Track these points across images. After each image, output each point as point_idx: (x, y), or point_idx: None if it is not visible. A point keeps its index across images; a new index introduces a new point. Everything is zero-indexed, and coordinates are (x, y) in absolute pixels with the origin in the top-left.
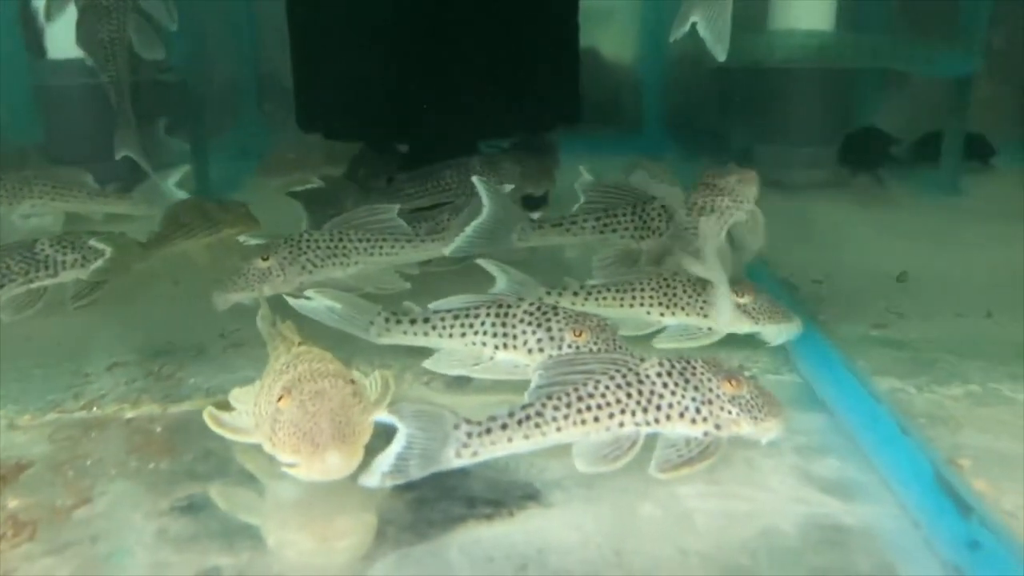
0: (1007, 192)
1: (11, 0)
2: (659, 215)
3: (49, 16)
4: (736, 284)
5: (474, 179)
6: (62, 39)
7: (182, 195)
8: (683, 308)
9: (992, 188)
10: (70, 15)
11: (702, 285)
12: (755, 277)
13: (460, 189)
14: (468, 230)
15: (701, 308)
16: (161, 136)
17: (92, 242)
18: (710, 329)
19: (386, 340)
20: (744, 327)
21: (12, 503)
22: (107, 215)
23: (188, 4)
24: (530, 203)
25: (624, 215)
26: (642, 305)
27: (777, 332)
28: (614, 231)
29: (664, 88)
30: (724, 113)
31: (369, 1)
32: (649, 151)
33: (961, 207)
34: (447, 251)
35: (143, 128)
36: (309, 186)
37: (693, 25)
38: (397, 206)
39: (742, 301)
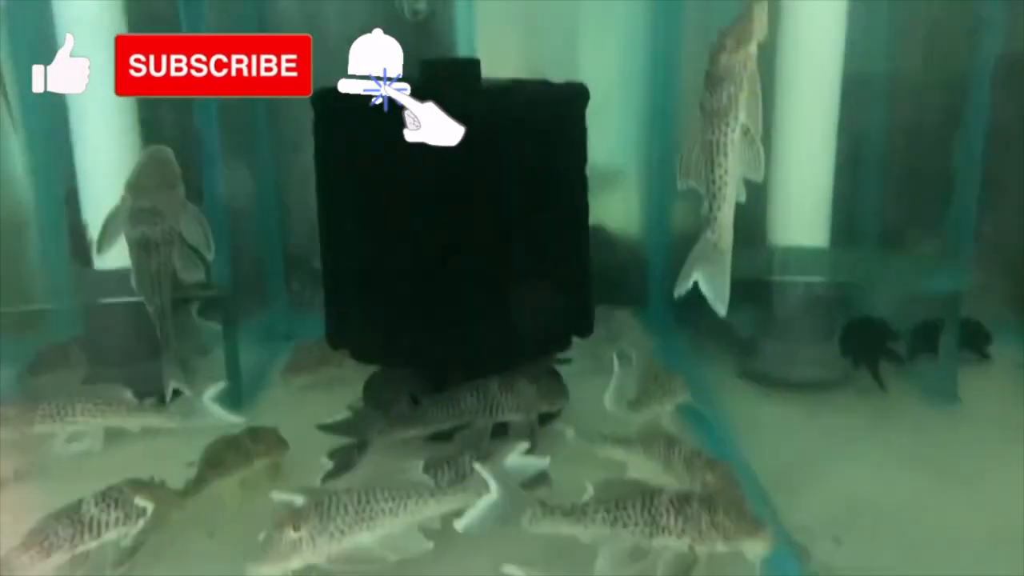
0: (1007, 397)
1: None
2: (668, 511)
3: (100, 248)
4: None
5: (477, 467)
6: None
7: (217, 409)
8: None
9: (991, 392)
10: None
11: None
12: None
13: (480, 413)
14: (480, 508)
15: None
16: (195, 319)
17: (136, 499)
18: None
19: None
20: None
21: None
22: (143, 429)
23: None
24: (543, 418)
25: (634, 508)
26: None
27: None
28: (624, 526)
29: (670, 267)
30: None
31: (398, 237)
32: (653, 328)
33: (960, 419)
34: (459, 527)
35: (177, 313)
36: (338, 418)
37: (695, 283)
38: (421, 462)
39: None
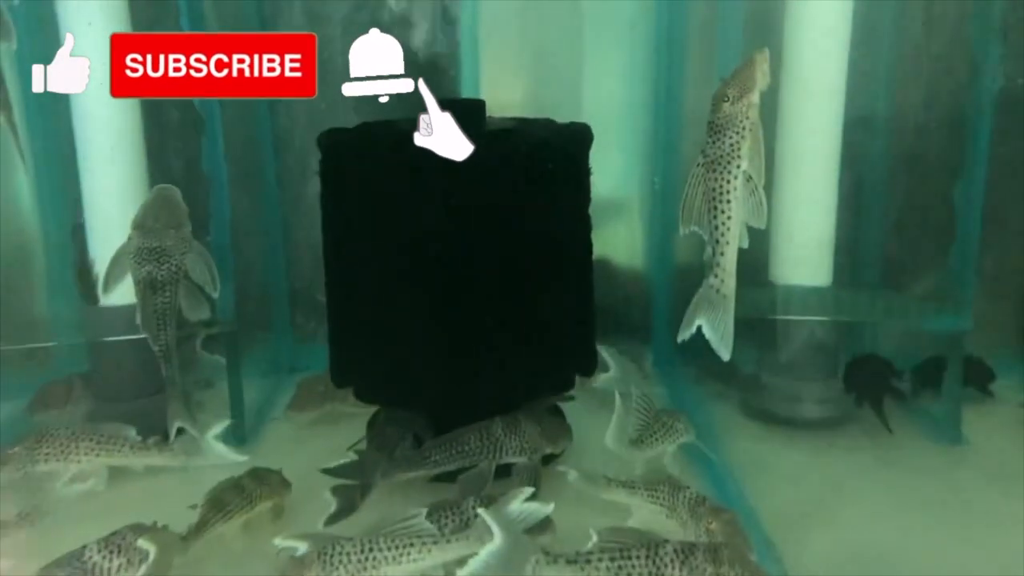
0: (1010, 434)
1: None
2: (672, 561)
3: (106, 288)
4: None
5: (481, 513)
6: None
7: (221, 448)
8: None
9: (995, 429)
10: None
11: None
12: None
13: (483, 454)
14: (483, 556)
15: None
16: (198, 353)
17: (139, 542)
18: None
19: None
20: None
21: None
22: (147, 467)
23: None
24: (546, 458)
25: (638, 558)
26: None
27: None
28: (628, 575)
29: (674, 302)
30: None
31: (402, 277)
32: (657, 363)
33: (965, 461)
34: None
35: (181, 347)
36: (342, 461)
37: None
38: (425, 509)
39: None
